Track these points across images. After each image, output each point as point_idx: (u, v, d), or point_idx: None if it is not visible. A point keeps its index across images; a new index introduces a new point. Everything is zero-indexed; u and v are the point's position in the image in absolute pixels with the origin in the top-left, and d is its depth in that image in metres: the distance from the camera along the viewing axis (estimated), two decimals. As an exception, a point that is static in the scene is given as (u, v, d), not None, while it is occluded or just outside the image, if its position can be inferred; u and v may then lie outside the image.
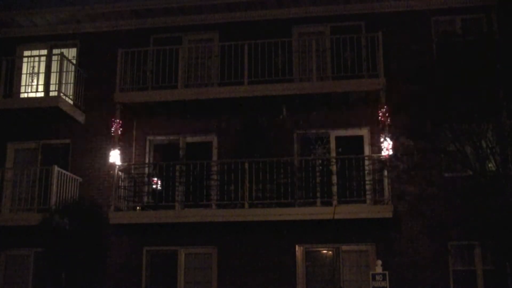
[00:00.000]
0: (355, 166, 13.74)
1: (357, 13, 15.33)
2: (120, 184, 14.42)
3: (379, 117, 13.99)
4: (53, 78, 15.09)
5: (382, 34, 14.16)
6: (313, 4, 15.44)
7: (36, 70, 15.93)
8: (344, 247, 13.98)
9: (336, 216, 13.23)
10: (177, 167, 14.42)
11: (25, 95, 15.99)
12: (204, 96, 14.46)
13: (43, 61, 15.64)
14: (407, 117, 13.10)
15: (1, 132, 15.87)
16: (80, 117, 15.64)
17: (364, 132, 14.76)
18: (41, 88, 15.74)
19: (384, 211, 13.34)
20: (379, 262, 12.59)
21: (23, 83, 16.19)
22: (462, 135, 12.22)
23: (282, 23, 15.57)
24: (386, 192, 13.41)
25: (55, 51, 16.05)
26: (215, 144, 15.17)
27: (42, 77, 15.78)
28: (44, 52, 16.23)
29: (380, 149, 13.73)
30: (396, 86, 13.89)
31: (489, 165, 12.27)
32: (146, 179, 14.62)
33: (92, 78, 15.90)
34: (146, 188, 14.66)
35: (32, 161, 15.77)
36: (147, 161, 15.35)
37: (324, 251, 14.24)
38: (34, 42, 16.60)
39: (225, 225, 14.05)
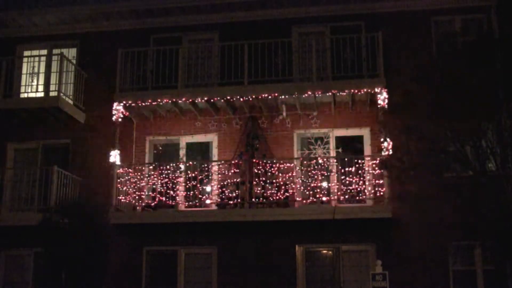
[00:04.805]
0: (355, 166, 13.74)
1: (357, 13, 15.34)
2: (120, 184, 14.42)
3: (379, 117, 14.01)
4: (53, 78, 15.10)
5: (382, 34, 14.16)
6: (313, 4, 15.45)
7: (36, 70, 15.93)
8: (344, 247, 13.98)
9: (336, 216, 13.24)
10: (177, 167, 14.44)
11: (25, 95, 15.99)
12: (204, 96, 14.45)
13: (43, 61, 15.66)
14: (407, 117, 13.09)
15: (1, 132, 15.87)
16: (80, 117, 15.65)
17: (364, 132, 14.77)
18: (41, 88, 15.75)
19: (384, 211, 13.35)
20: (379, 262, 12.60)
21: (23, 83, 16.20)
22: (462, 135, 12.21)
23: (282, 23, 15.57)
24: (386, 192, 13.42)
25: (55, 51, 16.06)
26: (215, 144, 15.18)
27: (42, 77, 15.78)
28: (44, 52, 16.24)
29: (380, 149, 13.73)
30: (396, 86, 13.88)
31: (489, 165, 12.26)
32: (146, 179, 14.62)
33: (92, 78, 15.91)
34: (146, 188, 14.66)
35: (32, 161, 15.78)
36: (147, 161, 15.35)
37: (324, 251, 14.24)
38: (34, 42, 16.61)
39: (225, 225, 14.05)
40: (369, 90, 13.99)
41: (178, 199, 14.32)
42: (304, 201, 14.03)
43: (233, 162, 14.41)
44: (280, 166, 14.12)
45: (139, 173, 14.71)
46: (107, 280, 14.42)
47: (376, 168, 13.61)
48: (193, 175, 14.25)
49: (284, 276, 13.90)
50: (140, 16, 16.09)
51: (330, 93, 14.11)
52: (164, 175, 14.38)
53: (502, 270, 13.10)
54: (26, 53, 16.55)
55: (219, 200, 14.18)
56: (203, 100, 14.51)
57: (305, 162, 14.20)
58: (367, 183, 13.75)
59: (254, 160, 14.17)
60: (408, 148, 13.50)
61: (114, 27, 16.29)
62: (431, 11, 15.11)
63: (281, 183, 14.03)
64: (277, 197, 13.92)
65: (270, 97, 14.30)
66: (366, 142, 14.72)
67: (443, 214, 13.48)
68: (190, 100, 14.54)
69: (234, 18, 15.82)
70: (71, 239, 13.81)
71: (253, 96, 14.32)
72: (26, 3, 16.75)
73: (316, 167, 13.88)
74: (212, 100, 14.52)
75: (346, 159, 13.85)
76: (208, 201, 14.35)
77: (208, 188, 14.34)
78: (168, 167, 14.43)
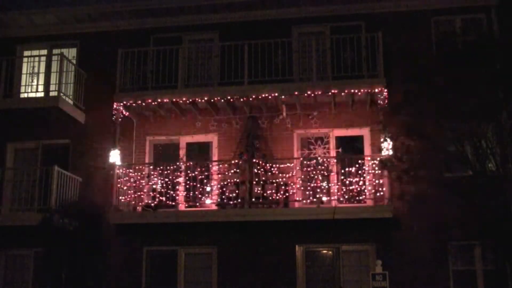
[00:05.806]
0: (355, 166, 13.74)
1: (357, 13, 15.33)
2: (120, 184, 14.42)
3: (379, 117, 14.02)
4: (53, 78, 15.07)
5: (382, 34, 14.15)
6: (313, 4, 15.44)
7: (36, 70, 15.92)
8: (344, 247, 13.98)
9: (336, 216, 13.24)
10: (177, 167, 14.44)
11: (25, 95, 15.98)
12: (204, 96, 14.45)
13: (43, 61, 15.63)
14: (407, 117, 13.10)
15: (1, 132, 15.86)
16: (80, 117, 15.65)
17: (364, 132, 14.76)
18: (41, 88, 15.74)
19: (384, 211, 13.34)
20: (379, 262, 12.60)
21: (23, 83, 16.18)
22: (462, 135, 12.22)
23: (282, 23, 15.56)
24: (386, 192, 13.42)
25: (55, 51, 16.04)
26: (215, 144, 15.18)
27: (42, 77, 15.77)
28: (44, 52, 16.22)
29: (380, 149, 13.73)
30: (396, 86, 13.89)
31: (489, 165, 12.27)
32: (146, 179, 14.62)
33: (92, 78, 15.91)
34: (146, 188, 14.66)
35: (32, 161, 15.77)
36: (147, 161, 15.35)
37: (324, 251, 14.24)
38: (34, 42, 16.60)
39: (225, 225, 14.05)
40: (369, 90, 13.97)
41: (178, 199, 14.32)
42: (304, 201, 14.03)
43: (233, 162, 14.40)
44: (280, 166, 14.12)
45: (139, 173, 14.71)
46: (107, 280, 14.45)
47: (376, 168, 13.61)
48: (193, 175, 14.25)
49: (284, 276, 13.90)
50: (140, 16, 16.08)
51: (330, 93, 14.09)
52: (164, 175, 14.37)
53: (502, 270, 13.11)
54: (26, 53, 16.53)
55: (219, 200, 14.18)
56: (203, 100, 14.50)
57: (305, 162, 14.19)
58: (367, 183, 13.74)
59: (254, 160, 14.17)
60: (408, 148, 13.55)
61: (114, 27, 16.27)
62: (431, 11, 15.10)
63: (281, 183, 14.03)
64: (277, 197, 13.92)
65: (270, 97, 14.29)
66: (366, 142, 14.71)
67: (443, 214, 13.52)
68: (190, 100, 14.53)
69: (234, 18, 15.81)
70: (71, 239, 13.83)
71: (253, 96, 14.31)
72: (26, 3, 16.77)
73: (316, 167, 13.87)
74: (212, 100, 14.51)
75: (346, 159, 13.86)
76: (208, 201, 14.34)
77: (208, 188, 14.32)
78: (168, 167, 14.42)
